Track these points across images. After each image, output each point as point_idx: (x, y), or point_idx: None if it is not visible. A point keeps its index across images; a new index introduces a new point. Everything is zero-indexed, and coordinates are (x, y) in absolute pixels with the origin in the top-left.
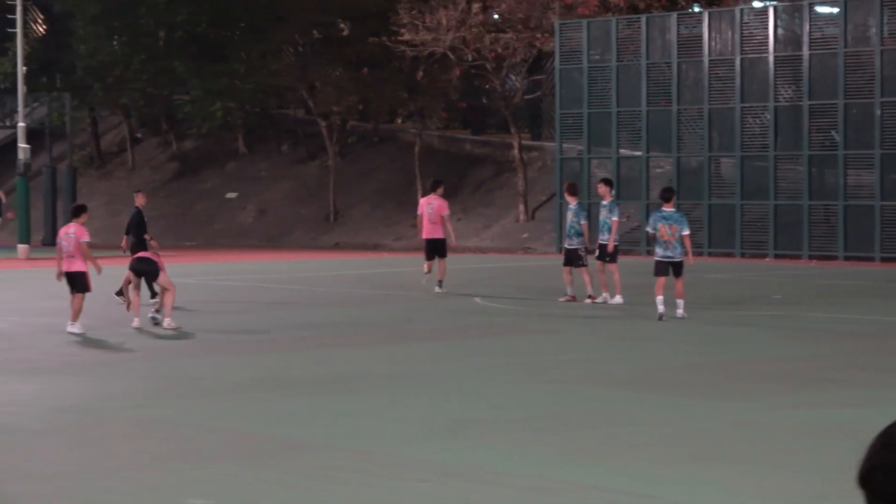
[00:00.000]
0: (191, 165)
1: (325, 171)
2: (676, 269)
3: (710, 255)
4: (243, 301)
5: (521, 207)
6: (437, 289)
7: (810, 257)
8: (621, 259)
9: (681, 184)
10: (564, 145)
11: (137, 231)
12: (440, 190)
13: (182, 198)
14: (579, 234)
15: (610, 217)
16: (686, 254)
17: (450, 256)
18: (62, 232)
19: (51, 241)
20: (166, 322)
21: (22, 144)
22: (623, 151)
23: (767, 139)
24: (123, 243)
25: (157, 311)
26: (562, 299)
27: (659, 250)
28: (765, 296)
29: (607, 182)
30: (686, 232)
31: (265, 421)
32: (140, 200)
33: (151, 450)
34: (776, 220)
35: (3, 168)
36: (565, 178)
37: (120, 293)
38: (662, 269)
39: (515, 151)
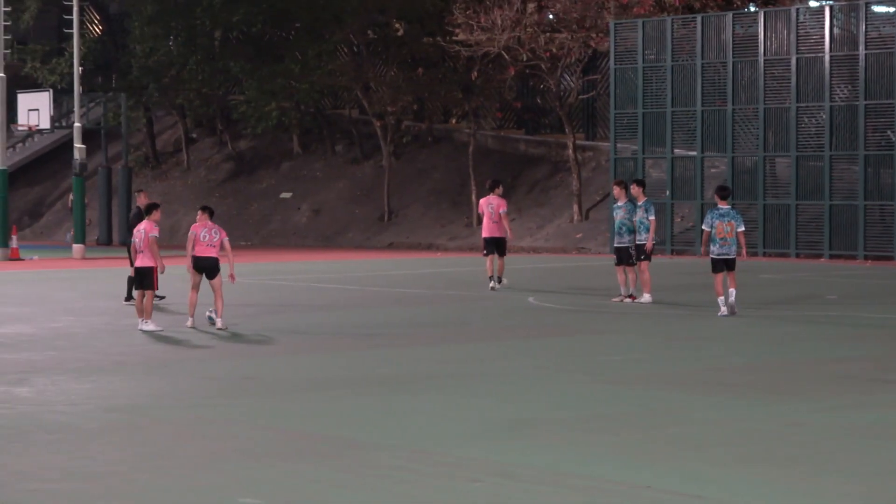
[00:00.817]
0: (246, 165)
1: (380, 171)
2: (731, 265)
3: (764, 255)
4: (297, 301)
5: (576, 207)
6: (498, 284)
7: (865, 257)
8: (677, 259)
9: (735, 184)
10: (619, 145)
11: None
12: (499, 189)
13: (237, 198)
14: (630, 232)
15: (647, 216)
16: (740, 250)
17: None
18: (135, 229)
19: (105, 240)
20: (220, 322)
21: (78, 144)
22: (678, 151)
23: (823, 139)
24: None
25: (214, 310)
26: (615, 299)
27: (715, 248)
28: (820, 296)
29: (640, 182)
30: (741, 228)
31: (319, 420)
32: (142, 200)
33: (205, 449)
34: (831, 220)
35: (59, 168)
36: (619, 177)
37: (129, 298)
38: (720, 266)
39: (570, 151)
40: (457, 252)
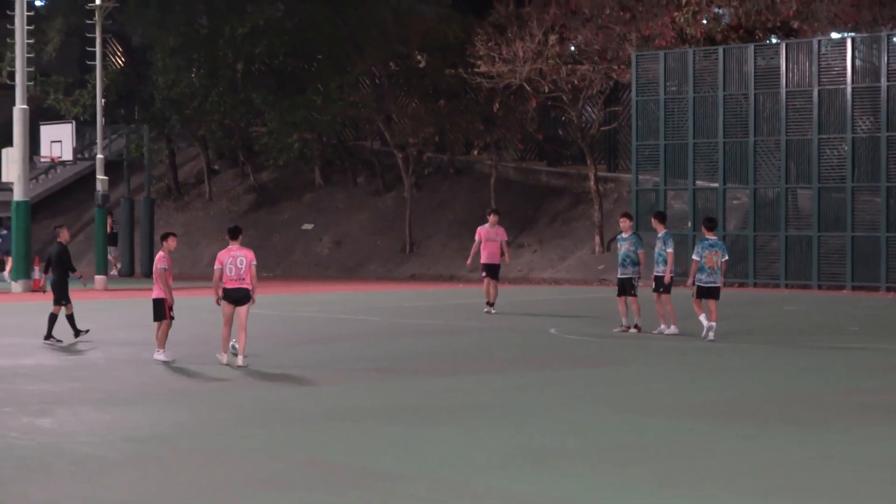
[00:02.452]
0: (268, 197)
1: (402, 203)
2: (715, 294)
3: (786, 286)
4: (319, 332)
5: (597, 239)
6: (492, 310)
7: (888, 289)
8: (687, 290)
9: (757, 215)
10: (641, 177)
11: (61, 267)
12: (496, 217)
13: (259, 229)
14: (635, 264)
15: (665, 249)
16: (721, 279)
17: (525, 287)
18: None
19: (128, 271)
20: (241, 360)
21: (100, 176)
22: (699, 183)
23: (845, 171)
24: (41, 281)
25: (236, 342)
26: (616, 329)
27: (703, 276)
28: (842, 327)
29: (660, 215)
30: (726, 258)
31: (341, 450)
32: (64, 236)
33: (226, 479)
34: (853, 251)
35: (82, 199)
36: (641, 210)
37: (49, 336)
38: (705, 293)
39: (591, 183)
40: (478, 284)
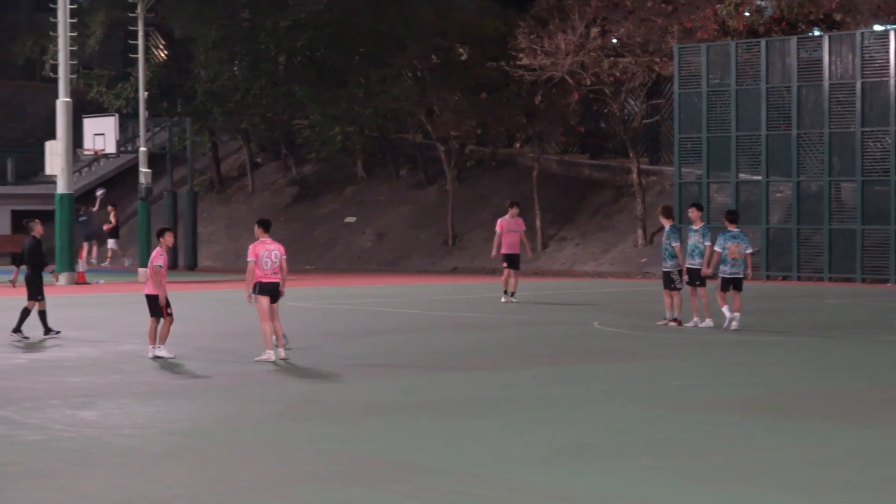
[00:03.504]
0: (310, 190)
1: (444, 196)
2: (738, 285)
3: (830, 280)
4: (360, 325)
5: (640, 232)
6: (511, 299)
7: None
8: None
9: (801, 208)
10: (683, 170)
11: (34, 262)
12: (517, 209)
13: (301, 222)
14: (673, 257)
15: (702, 242)
16: (746, 270)
17: (568, 280)
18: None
19: (171, 264)
20: (282, 352)
21: (143, 169)
22: (742, 176)
23: (888, 163)
24: (14, 275)
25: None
26: (660, 322)
27: (727, 268)
28: (884, 322)
29: (698, 207)
30: (750, 250)
31: (382, 444)
32: (37, 230)
33: (268, 473)
34: None
35: (124, 192)
36: (684, 203)
37: (18, 330)
38: (726, 285)
39: (634, 176)
40: (520, 277)
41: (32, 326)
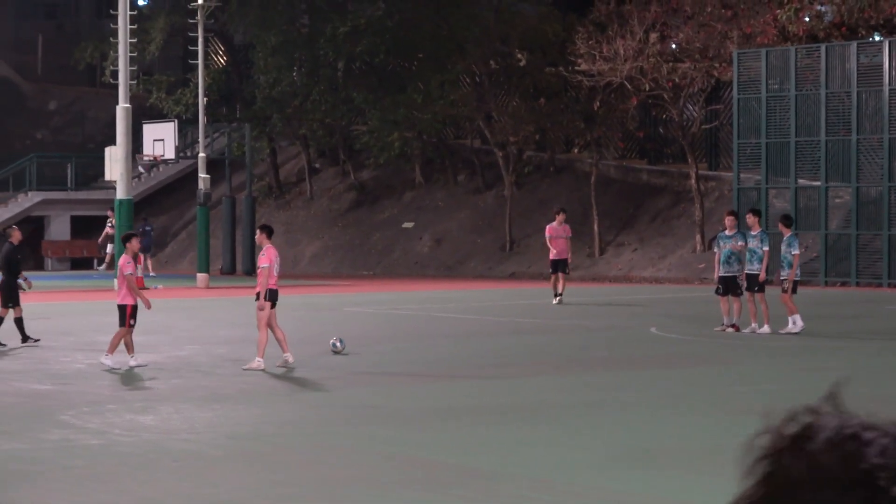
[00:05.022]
0: (368, 195)
1: (502, 201)
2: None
3: (889, 286)
4: (418, 330)
5: (698, 238)
6: (557, 299)
7: None
8: (802, 290)
9: (860, 214)
10: (742, 175)
11: (10, 268)
12: (563, 216)
13: (360, 228)
14: (739, 262)
15: (761, 247)
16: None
17: (626, 286)
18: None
19: (229, 269)
20: (290, 357)
21: (202, 175)
22: (801, 182)
23: None
24: None
25: (337, 339)
26: (718, 328)
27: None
28: None
29: (756, 212)
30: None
31: (441, 449)
32: (16, 237)
33: (328, 477)
34: None
35: (184, 198)
36: (743, 208)
37: (25, 339)
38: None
39: (692, 181)
40: (577, 282)
41: (10, 335)
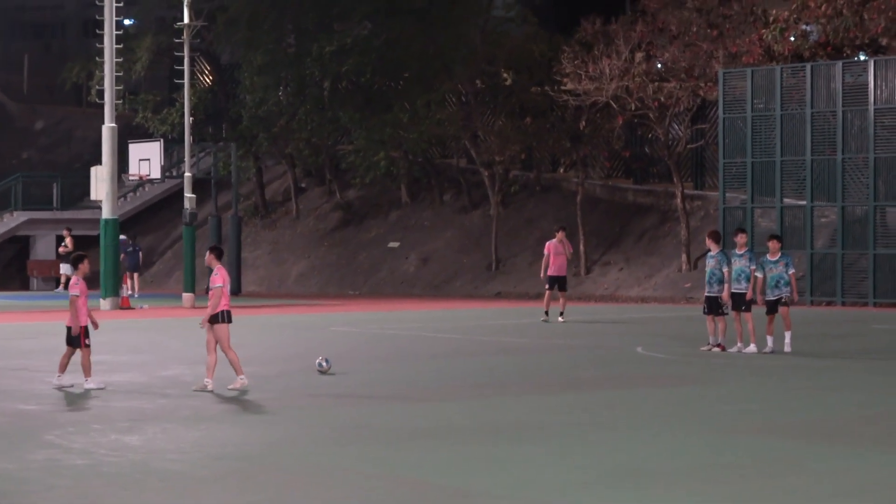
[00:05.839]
0: (355, 215)
1: (488, 220)
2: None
3: (875, 305)
4: (406, 350)
5: (684, 257)
6: (561, 318)
7: None
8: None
9: (845, 233)
10: (728, 195)
11: None
12: (563, 233)
13: (346, 247)
14: (720, 282)
15: (748, 266)
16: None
17: (612, 306)
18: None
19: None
20: (245, 381)
21: (188, 194)
22: (787, 201)
23: None
24: None
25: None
26: (703, 347)
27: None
28: None
29: (744, 232)
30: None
31: (430, 469)
32: None
33: (316, 498)
34: None
35: (169, 217)
36: (729, 228)
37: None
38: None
39: (678, 201)
40: (557, 302)
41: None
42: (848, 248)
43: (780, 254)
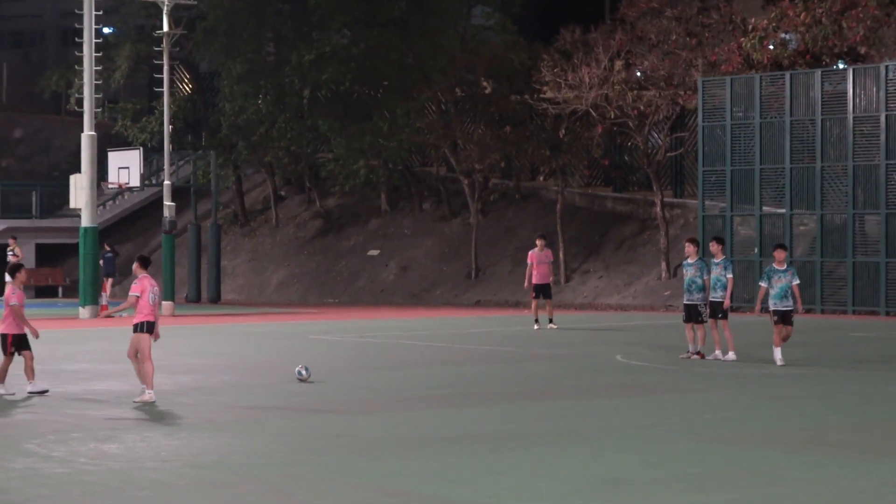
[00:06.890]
0: (334, 223)
1: (468, 229)
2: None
3: (853, 313)
4: (386, 359)
5: (664, 265)
6: (552, 325)
7: None
8: (765, 318)
9: (825, 241)
10: (707, 203)
11: None
12: (544, 241)
13: (325, 255)
14: (700, 290)
15: (724, 274)
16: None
17: (591, 314)
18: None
19: (195, 297)
20: (152, 394)
21: (167, 202)
22: (766, 209)
23: None
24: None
25: (303, 367)
26: (683, 356)
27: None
28: None
29: (719, 240)
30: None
31: (411, 478)
32: None
33: None
34: None
35: (149, 225)
36: (708, 236)
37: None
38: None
39: (657, 209)
40: (544, 310)
41: None
42: (827, 256)
43: (786, 264)
